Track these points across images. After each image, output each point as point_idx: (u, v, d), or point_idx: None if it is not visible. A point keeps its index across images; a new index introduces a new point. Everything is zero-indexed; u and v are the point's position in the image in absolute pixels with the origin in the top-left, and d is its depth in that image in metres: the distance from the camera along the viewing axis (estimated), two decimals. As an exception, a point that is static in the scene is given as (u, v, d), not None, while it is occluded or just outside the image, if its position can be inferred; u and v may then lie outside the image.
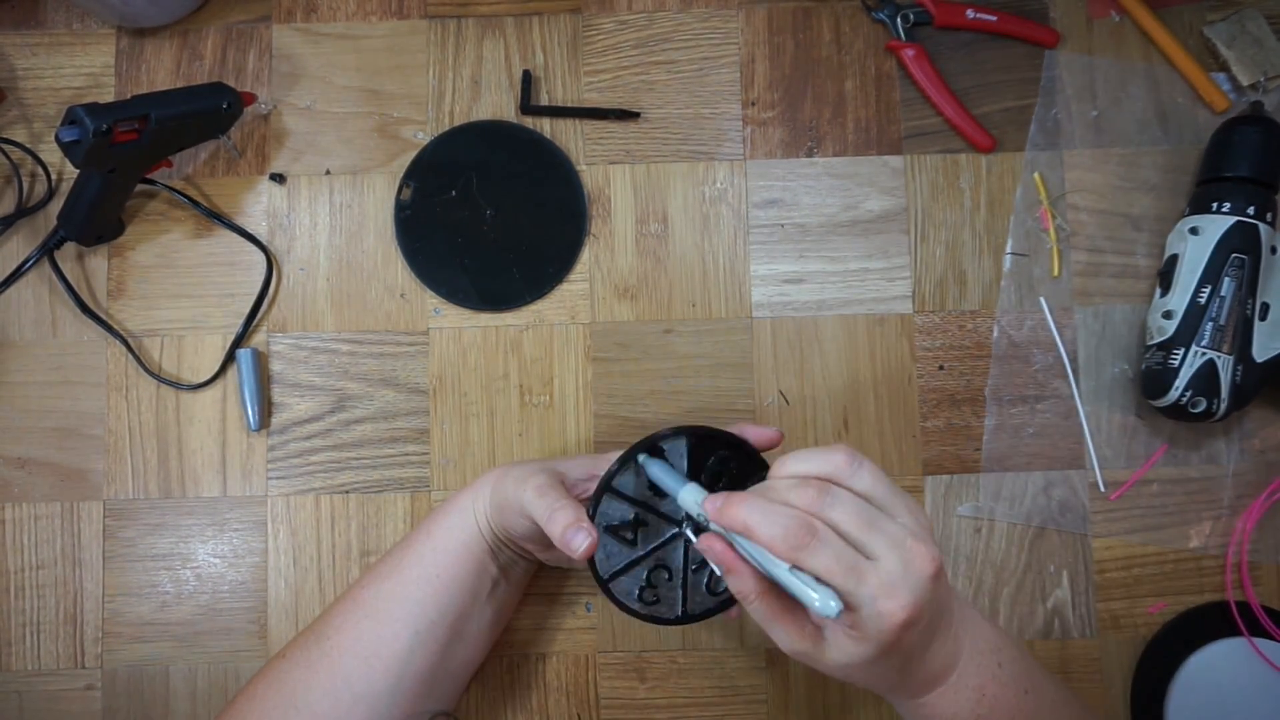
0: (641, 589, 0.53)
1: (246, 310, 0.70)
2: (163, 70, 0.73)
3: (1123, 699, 0.67)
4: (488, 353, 0.70)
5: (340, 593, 0.68)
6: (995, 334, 0.70)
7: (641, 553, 0.53)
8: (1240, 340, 0.64)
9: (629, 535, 0.53)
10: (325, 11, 0.73)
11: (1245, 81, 0.70)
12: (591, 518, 0.51)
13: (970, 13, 0.71)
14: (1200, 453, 0.69)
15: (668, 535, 0.53)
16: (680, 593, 0.54)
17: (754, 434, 0.54)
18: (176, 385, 0.69)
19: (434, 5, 0.73)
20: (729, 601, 0.56)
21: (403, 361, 0.70)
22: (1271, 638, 0.65)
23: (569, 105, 0.72)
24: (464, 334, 0.70)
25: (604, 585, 0.53)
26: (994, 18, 0.71)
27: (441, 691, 0.60)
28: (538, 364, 0.70)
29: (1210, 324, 0.63)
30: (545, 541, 0.56)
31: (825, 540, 0.43)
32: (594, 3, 0.73)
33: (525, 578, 0.65)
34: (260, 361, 0.69)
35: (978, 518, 0.68)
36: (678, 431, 0.51)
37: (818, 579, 0.42)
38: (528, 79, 0.72)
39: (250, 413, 0.68)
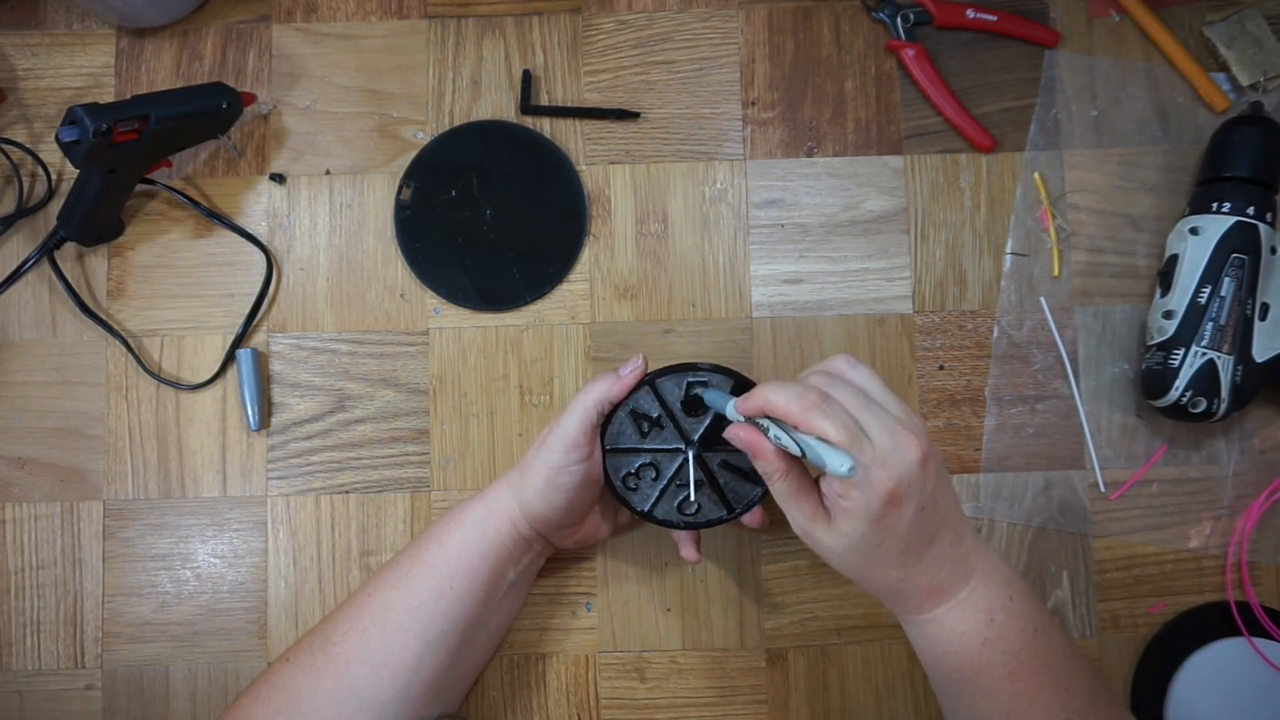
0: (628, 475, 0.59)
1: (246, 310, 0.70)
2: (163, 70, 0.73)
3: (1123, 699, 0.67)
4: (488, 353, 0.70)
5: (341, 594, 0.68)
6: (995, 334, 0.70)
7: (645, 446, 0.59)
8: (1240, 340, 0.64)
9: (644, 428, 0.59)
10: (325, 11, 0.73)
11: (1245, 81, 0.70)
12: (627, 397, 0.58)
13: (970, 12, 0.71)
14: (1200, 453, 0.69)
15: (672, 446, 0.59)
16: (655, 495, 0.60)
17: None
18: (176, 385, 0.69)
19: (434, 5, 0.73)
20: (688, 525, 0.60)
21: (403, 361, 0.70)
22: (1271, 638, 0.65)
23: (569, 105, 0.72)
24: (464, 334, 0.70)
25: (604, 451, 0.58)
26: (994, 17, 0.71)
27: (449, 695, 0.60)
28: (538, 364, 0.70)
29: (1210, 324, 0.63)
30: (582, 510, 0.60)
31: (834, 407, 0.48)
32: (594, 3, 0.73)
33: (533, 579, 0.65)
34: (260, 361, 0.69)
35: (978, 518, 0.68)
36: (725, 373, 0.57)
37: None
38: (528, 79, 0.72)
39: (250, 413, 0.68)
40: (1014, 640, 0.51)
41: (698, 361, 0.58)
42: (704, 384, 0.57)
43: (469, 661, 0.62)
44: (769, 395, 0.49)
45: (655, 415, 0.58)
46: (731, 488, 0.60)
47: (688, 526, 0.60)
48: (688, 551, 0.63)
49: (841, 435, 0.47)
